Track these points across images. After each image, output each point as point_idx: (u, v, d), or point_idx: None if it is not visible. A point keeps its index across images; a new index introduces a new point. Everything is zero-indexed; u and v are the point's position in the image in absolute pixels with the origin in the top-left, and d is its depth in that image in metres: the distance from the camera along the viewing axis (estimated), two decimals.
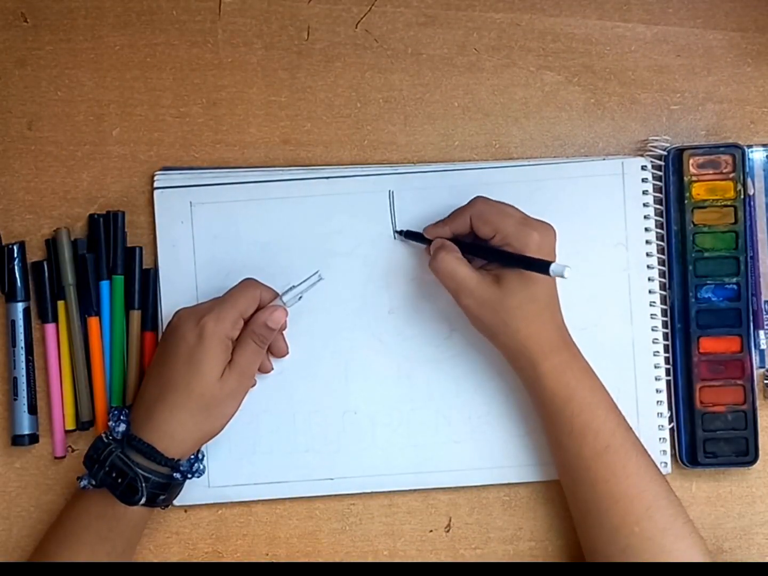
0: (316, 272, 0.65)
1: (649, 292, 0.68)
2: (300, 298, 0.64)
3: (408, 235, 0.67)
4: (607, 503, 0.61)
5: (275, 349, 0.67)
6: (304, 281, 0.64)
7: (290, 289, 0.64)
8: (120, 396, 0.67)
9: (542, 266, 0.58)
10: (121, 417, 0.63)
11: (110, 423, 0.63)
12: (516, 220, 0.62)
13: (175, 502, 0.66)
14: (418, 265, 0.68)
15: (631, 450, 0.62)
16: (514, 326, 0.62)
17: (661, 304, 0.69)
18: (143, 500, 0.60)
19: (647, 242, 0.68)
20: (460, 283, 0.62)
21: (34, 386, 0.67)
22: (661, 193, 0.69)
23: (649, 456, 0.63)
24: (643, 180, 0.68)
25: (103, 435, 0.62)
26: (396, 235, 0.68)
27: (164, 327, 0.65)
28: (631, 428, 0.63)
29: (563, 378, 0.62)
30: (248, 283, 0.64)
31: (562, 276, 0.57)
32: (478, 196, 0.64)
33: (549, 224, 0.63)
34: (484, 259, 0.64)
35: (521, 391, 0.67)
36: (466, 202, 0.64)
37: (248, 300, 0.63)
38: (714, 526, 0.69)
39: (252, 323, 0.63)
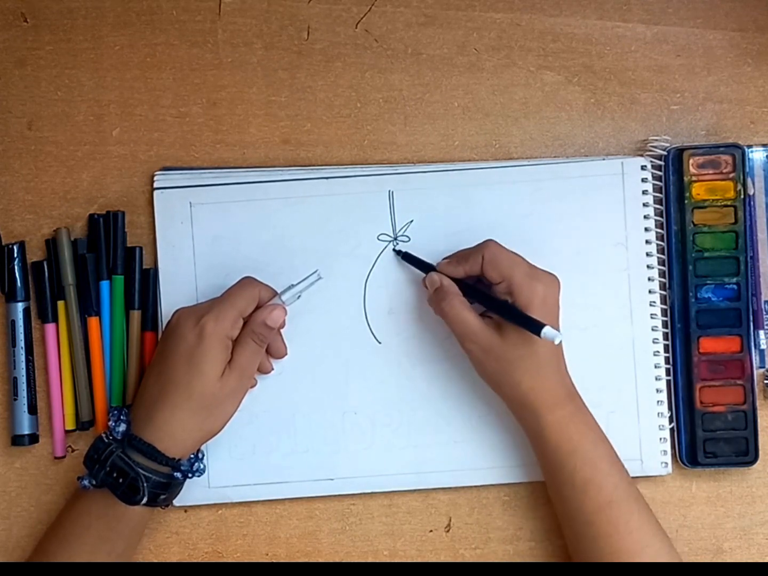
0: (315, 271, 0.65)
1: (649, 292, 0.68)
2: (299, 297, 0.64)
3: (407, 258, 0.67)
4: (609, 559, 0.61)
5: (274, 349, 0.66)
6: (302, 280, 0.64)
7: (289, 288, 0.64)
8: (120, 396, 0.67)
9: (535, 327, 0.59)
10: (121, 417, 0.63)
11: (110, 423, 0.63)
12: (524, 271, 0.62)
13: (176, 502, 0.66)
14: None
15: (634, 505, 0.62)
16: (517, 378, 0.62)
17: (661, 304, 0.68)
18: (144, 500, 0.60)
19: (647, 242, 0.68)
20: (466, 328, 0.62)
21: (34, 386, 0.67)
22: (661, 193, 0.69)
23: (650, 510, 0.63)
24: (643, 180, 0.68)
25: (104, 435, 0.62)
26: (394, 253, 0.68)
27: (164, 327, 0.65)
28: (633, 482, 0.63)
29: (566, 431, 0.62)
30: (247, 281, 0.64)
31: (553, 341, 0.58)
32: (490, 240, 0.64)
33: (555, 276, 0.63)
34: (483, 306, 0.64)
35: None
36: (476, 245, 0.64)
37: (247, 299, 0.63)
38: (714, 526, 0.68)
39: (251, 322, 0.63)
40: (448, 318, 0.63)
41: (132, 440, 0.61)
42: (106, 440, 0.62)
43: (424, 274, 0.66)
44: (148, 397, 0.62)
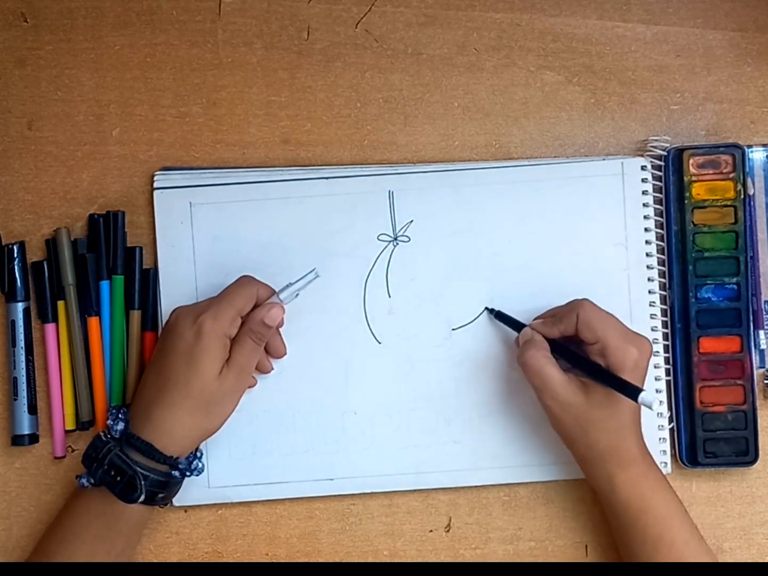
0: (313, 270, 0.65)
1: (649, 292, 0.68)
2: (297, 295, 0.64)
3: (499, 317, 0.67)
4: None
5: (272, 349, 0.66)
6: (300, 279, 0.64)
7: (287, 286, 0.64)
8: (120, 396, 0.67)
9: (633, 392, 0.58)
10: (120, 415, 0.63)
11: (109, 421, 0.63)
12: (618, 334, 0.62)
13: (176, 502, 0.67)
14: (418, 267, 0.68)
15: (705, 559, 0.62)
16: (594, 437, 0.62)
17: (661, 304, 0.68)
18: (142, 498, 0.60)
19: (647, 242, 0.68)
20: (547, 383, 0.61)
21: (34, 386, 0.67)
22: (661, 193, 0.68)
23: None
24: (643, 180, 0.68)
25: (102, 433, 0.62)
26: (487, 311, 0.68)
27: (162, 325, 0.65)
28: (702, 538, 0.63)
29: (638, 490, 0.62)
30: (245, 280, 0.64)
31: (650, 407, 0.58)
32: (585, 300, 0.63)
33: (646, 339, 0.63)
34: (572, 366, 0.63)
35: (521, 392, 0.67)
36: (569, 303, 0.64)
37: (245, 297, 0.63)
38: (714, 526, 0.68)
39: (249, 321, 0.63)
40: (530, 370, 0.62)
41: (130, 438, 0.61)
42: (105, 439, 0.62)
43: (515, 332, 0.66)
44: (147, 396, 0.62)
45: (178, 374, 0.61)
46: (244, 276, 0.64)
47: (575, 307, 0.63)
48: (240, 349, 0.62)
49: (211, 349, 0.61)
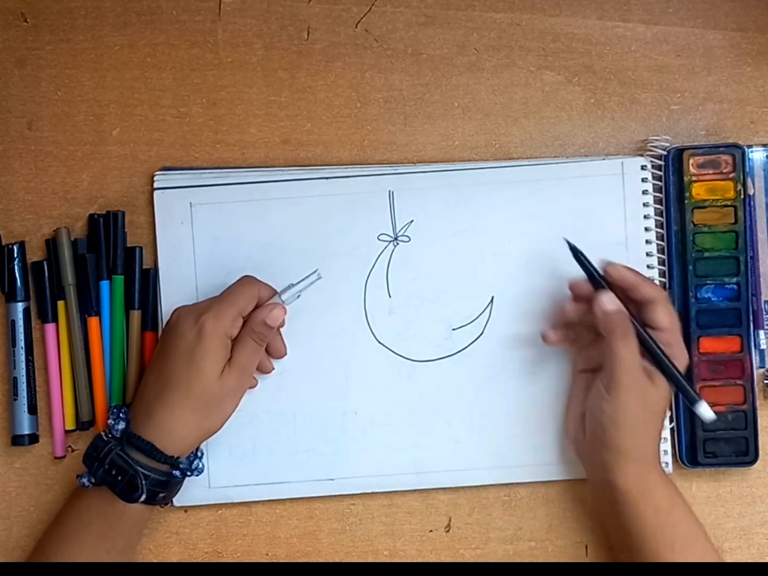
0: (315, 271, 0.65)
1: None
2: (298, 296, 0.64)
3: (578, 259, 0.64)
4: None
5: (273, 349, 0.66)
6: (302, 280, 0.64)
7: (289, 287, 0.64)
8: (120, 396, 0.67)
9: (692, 399, 0.60)
10: (121, 415, 0.63)
11: (110, 421, 0.63)
12: (678, 335, 0.63)
13: (176, 502, 0.66)
14: (418, 267, 0.68)
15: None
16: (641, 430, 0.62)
17: None
18: (143, 497, 0.60)
19: (647, 242, 0.68)
20: (628, 371, 0.61)
21: (34, 386, 0.67)
22: (661, 193, 0.68)
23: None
24: (643, 180, 0.68)
25: (103, 433, 0.62)
26: (566, 244, 0.64)
27: (163, 325, 0.65)
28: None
29: (667, 487, 0.63)
30: (247, 280, 0.64)
31: (704, 419, 0.61)
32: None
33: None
34: (645, 352, 0.62)
35: (521, 391, 0.67)
36: (652, 283, 0.64)
37: (247, 298, 0.63)
38: (714, 526, 0.68)
39: (251, 321, 0.63)
40: (617, 358, 0.61)
41: (131, 438, 0.61)
42: (105, 438, 0.62)
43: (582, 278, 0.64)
44: (148, 396, 0.62)
45: (179, 374, 0.61)
46: (246, 276, 0.64)
47: (658, 287, 0.64)
48: (241, 350, 0.62)
49: (212, 349, 0.61)
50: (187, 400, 0.61)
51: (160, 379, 0.62)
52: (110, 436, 0.62)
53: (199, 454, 0.65)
